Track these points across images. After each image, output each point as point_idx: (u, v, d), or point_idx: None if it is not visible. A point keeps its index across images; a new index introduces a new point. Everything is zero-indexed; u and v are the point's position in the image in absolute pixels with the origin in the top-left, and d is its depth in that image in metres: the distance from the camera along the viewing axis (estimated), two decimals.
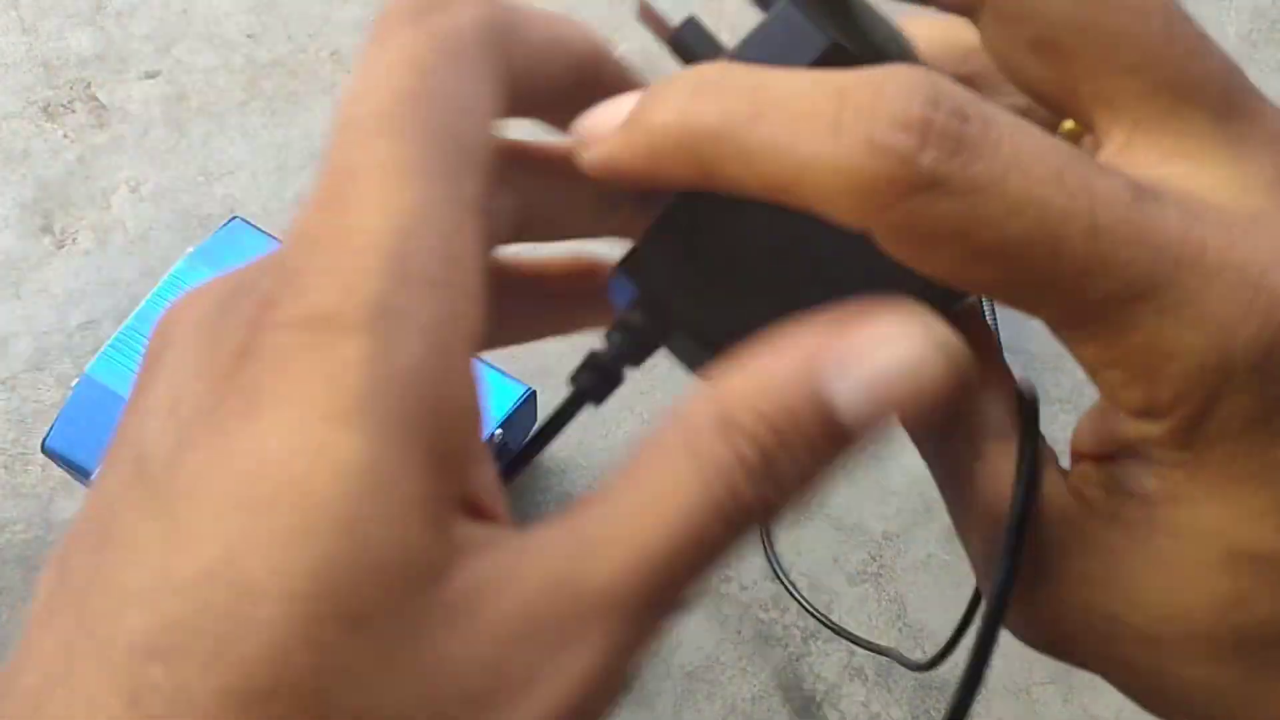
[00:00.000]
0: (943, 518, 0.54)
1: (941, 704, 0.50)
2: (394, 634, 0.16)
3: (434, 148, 0.18)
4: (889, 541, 0.53)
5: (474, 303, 0.18)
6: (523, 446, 0.26)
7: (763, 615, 0.52)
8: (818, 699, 0.50)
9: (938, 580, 0.52)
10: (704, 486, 0.17)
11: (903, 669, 0.51)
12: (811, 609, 0.51)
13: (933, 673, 0.51)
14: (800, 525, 0.53)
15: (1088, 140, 0.22)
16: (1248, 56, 0.64)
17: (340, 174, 0.18)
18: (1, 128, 0.59)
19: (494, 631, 0.17)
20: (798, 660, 0.51)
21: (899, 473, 0.54)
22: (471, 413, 0.18)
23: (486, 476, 0.19)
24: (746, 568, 0.53)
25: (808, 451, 0.17)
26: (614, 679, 0.17)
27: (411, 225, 0.17)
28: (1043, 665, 0.51)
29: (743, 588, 0.52)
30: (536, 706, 0.17)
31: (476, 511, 0.18)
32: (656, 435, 0.18)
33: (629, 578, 0.17)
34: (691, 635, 0.51)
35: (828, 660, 0.51)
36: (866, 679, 0.51)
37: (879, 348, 0.17)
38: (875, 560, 0.53)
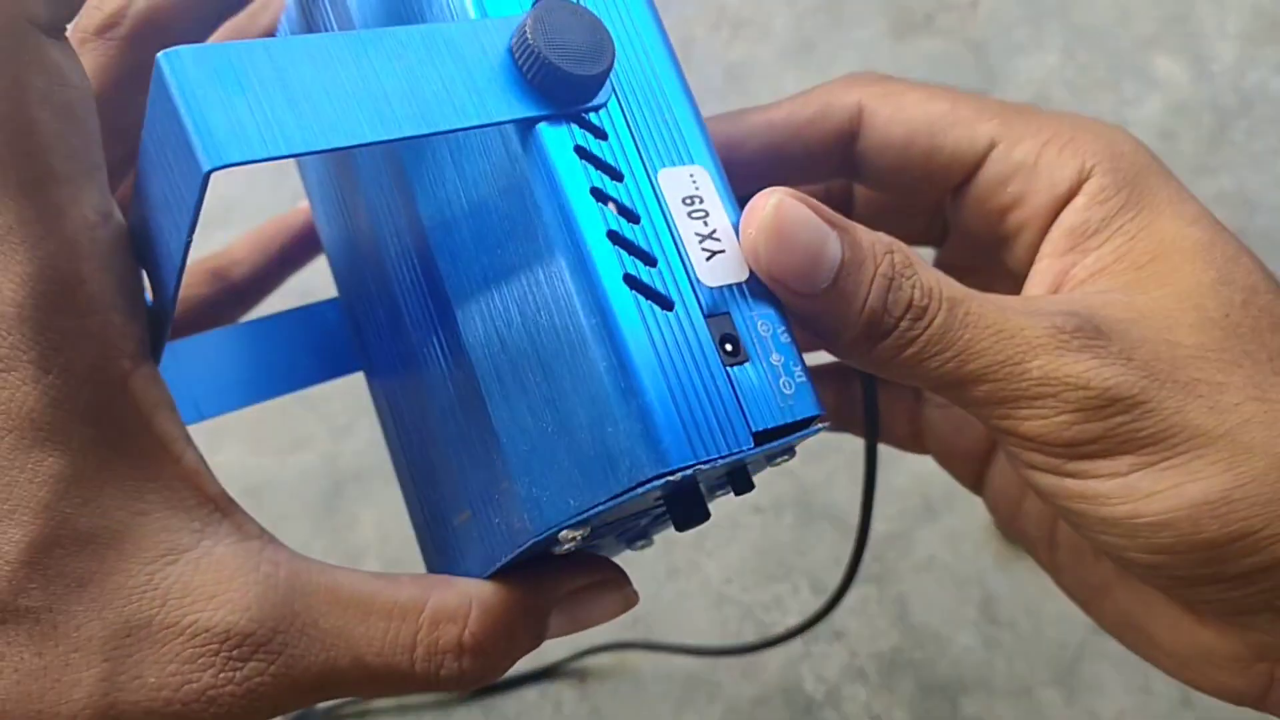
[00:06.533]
0: (945, 518, 0.54)
1: (945, 705, 0.50)
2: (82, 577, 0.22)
3: (32, 207, 0.22)
4: (891, 542, 0.53)
5: (114, 336, 0.23)
6: None
7: (764, 617, 0.52)
8: (819, 700, 0.50)
9: (940, 581, 0.52)
10: None
11: (905, 668, 0.50)
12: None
13: (937, 673, 0.51)
14: (801, 526, 0.53)
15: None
16: (1248, 56, 0.63)
17: None
18: None
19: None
20: (799, 662, 0.51)
21: (901, 473, 0.54)
22: (140, 416, 0.23)
23: (190, 460, 0.24)
24: (748, 570, 0.52)
25: None
26: None
27: (40, 291, 0.22)
28: (1046, 666, 0.50)
29: (743, 589, 0.52)
30: None
31: (202, 493, 0.23)
32: None
33: None
34: (692, 637, 0.51)
35: (829, 662, 0.51)
36: (868, 680, 0.50)
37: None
38: (877, 561, 0.53)
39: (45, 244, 0.22)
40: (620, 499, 0.22)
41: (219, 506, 0.24)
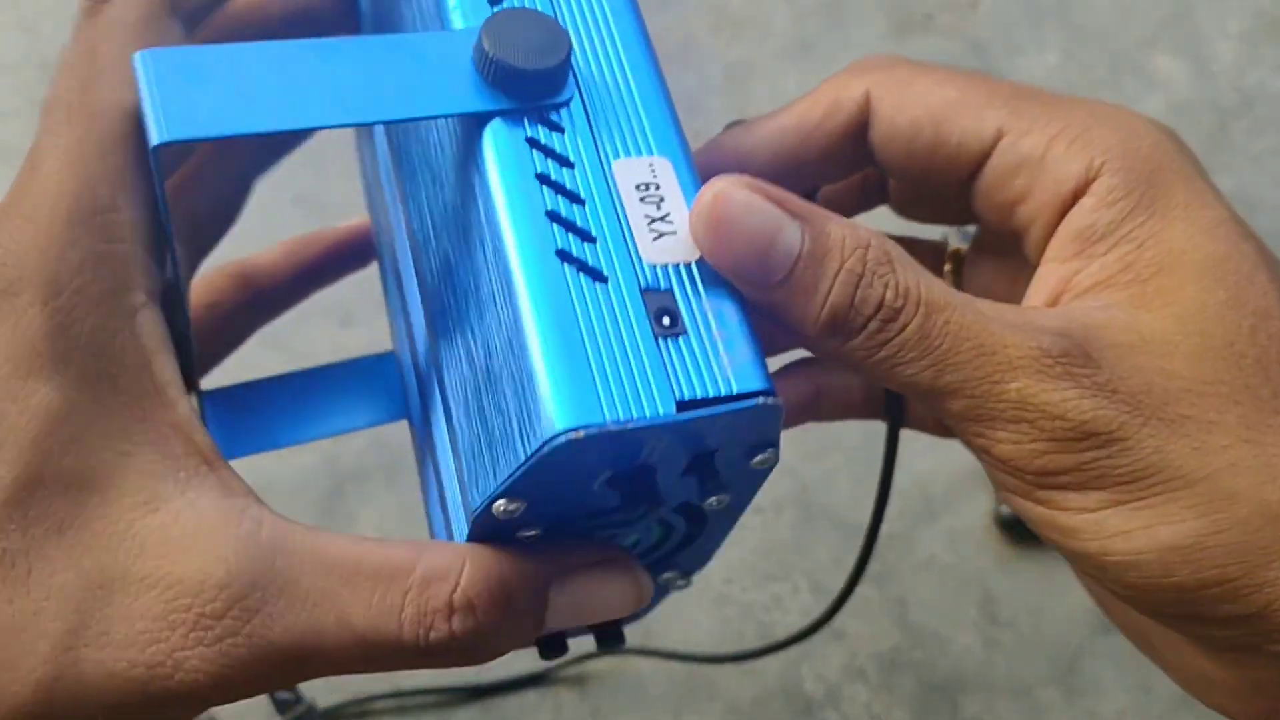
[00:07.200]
0: (946, 518, 0.54)
1: (945, 705, 0.50)
2: (64, 519, 0.22)
3: (94, 130, 0.23)
4: (891, 542, 0.53)
5: (134, 269, 0.23)
6: None
7: (764, 617, 0.52)
8: (819, 700, 0.50)
9: (940, 581, 0.52)
10: None
11: (905, 668, 0.50)
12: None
13: (937, 673, 0.51)
14: (801, 526, 0.53)
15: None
16: (1248, 56, 0.63)
17: (31, 156, 0.24)
18: (1, 128, 0.59)
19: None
20: (799, 662, 0.51)
21: (902, 473, 0.54)
22: (142, 353, 0.23)
23: (177, 413, 0.23)
24: (748, 570, 0.52)
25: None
26: None
27: (75, 208, 0.23)
28: (1046, 666, 0.50)
29: (743, 589, 0.52)
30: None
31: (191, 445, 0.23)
32: None
33: None
34: (692, 637, 0.51)
35: (829, 661, 0.51)
36: (869, 680, 0.50)
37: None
38: (878, 561, 0.53)
39: (93, 165, 0.23)
40: (536, 463, 0.21)
41: (206, 459, 0.23)
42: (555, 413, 0.21)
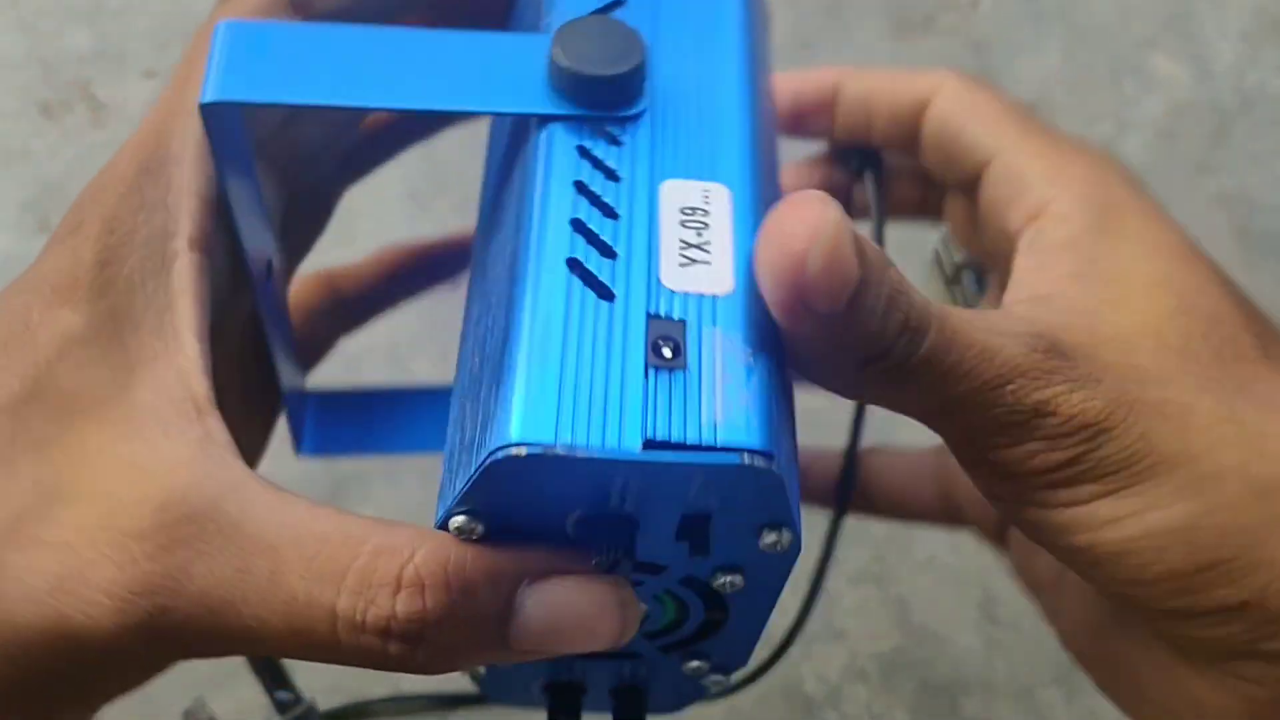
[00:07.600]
0: None
1: (945, 705, 0.50)
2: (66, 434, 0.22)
3: (187, 96, 0.25)
4: (891, 542, 0.53)
5: (183, 217, 0.25)
6: None
7: None
8: (819, 700, 0.50)
9: (940, 581, 0.52)
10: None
11: (905, 668, 0.50)
12: None
13: (937, 673, 0.51)
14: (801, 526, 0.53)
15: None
16: (1248, 56, 0.63)
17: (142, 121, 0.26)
18: (0, 127, 0.59)
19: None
20: (799, 662, 0.51)
21: None
22: (169, 296, 0.24)
23: (191, 361, 0.24)
24: None
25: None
26: None
27: (147, 159, 0.25)
28: (1047, 666, 0.50)
29: None
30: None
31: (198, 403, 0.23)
32: None
33: None
34: None
35: (830, 662, 0.51)
36: (869, 680, 0.50)
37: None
38: (877, 561, 0.53)
39: (174, 124, 0.25)
40: (480, 475, 0.20)
41: (198, 405, 0.23)
42: (507, 425, 0.19)
